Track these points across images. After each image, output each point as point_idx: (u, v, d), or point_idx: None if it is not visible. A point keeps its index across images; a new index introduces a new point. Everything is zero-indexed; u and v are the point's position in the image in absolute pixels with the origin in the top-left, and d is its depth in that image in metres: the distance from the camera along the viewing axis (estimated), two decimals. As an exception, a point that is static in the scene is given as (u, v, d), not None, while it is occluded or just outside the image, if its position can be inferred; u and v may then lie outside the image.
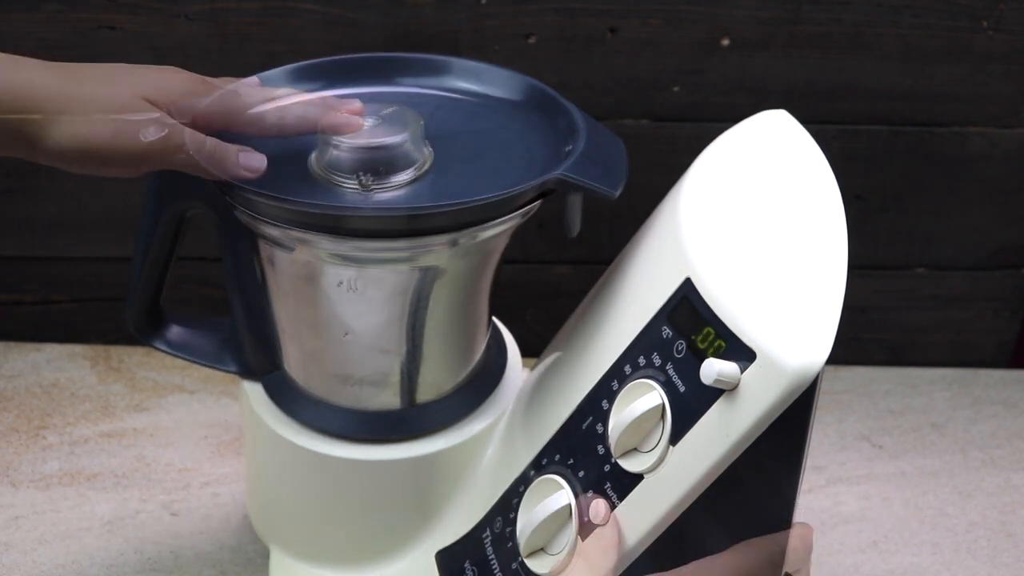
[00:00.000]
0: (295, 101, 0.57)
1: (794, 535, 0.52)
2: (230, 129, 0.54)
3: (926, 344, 0.97)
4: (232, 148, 0.54)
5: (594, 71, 0.83)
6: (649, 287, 0.56)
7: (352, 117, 0.57)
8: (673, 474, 0.51)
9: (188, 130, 0.52)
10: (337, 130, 0.57)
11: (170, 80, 0.53)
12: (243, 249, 0.62)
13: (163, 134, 0.51)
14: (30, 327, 0.94)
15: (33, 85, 0.49)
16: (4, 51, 0.76)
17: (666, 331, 0.53)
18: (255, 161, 0.55)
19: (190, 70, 0.84)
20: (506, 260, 0.64)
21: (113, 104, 0.50)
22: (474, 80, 0.67)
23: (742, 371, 0.48)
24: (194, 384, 0.91)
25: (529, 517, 0.57)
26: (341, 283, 0.59)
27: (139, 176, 0.54)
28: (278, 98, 0.57)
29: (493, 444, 0.66)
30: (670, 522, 0.52)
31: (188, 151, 0.52)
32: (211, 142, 0.53)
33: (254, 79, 0.61)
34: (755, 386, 0.47)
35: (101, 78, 0.51)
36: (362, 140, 0.57)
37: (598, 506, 0.54)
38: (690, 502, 0.51)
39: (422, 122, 0.59)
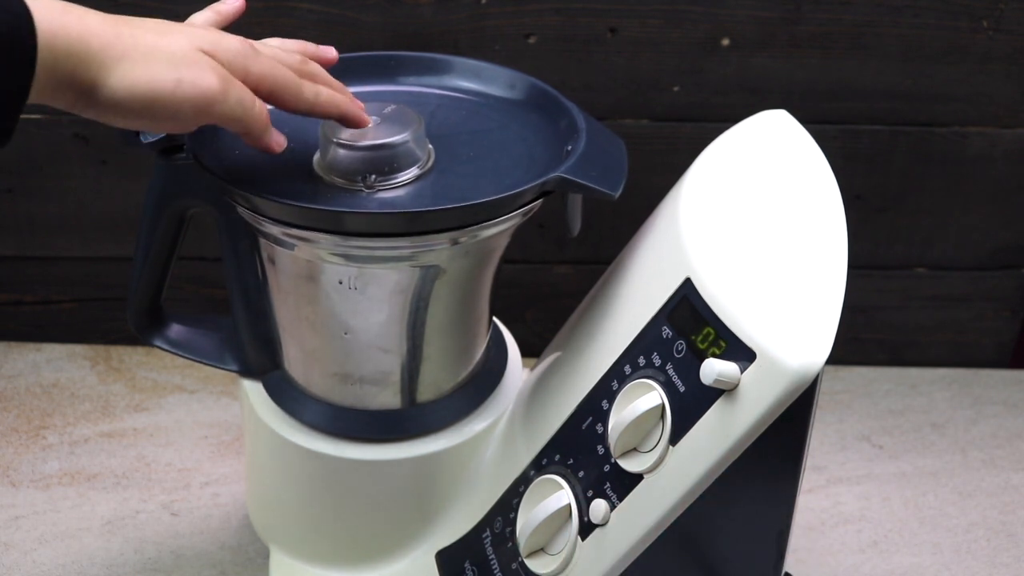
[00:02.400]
0: (326, 82, 0.57)
1: None
2: (270, 99, 0.54)
3: (926, 344, 0.97)
4: (269, 119, 0.54)
5: (594, 71, 0.83)
6: (649, 287, 0.56)
7: (365, 115, 0.58)
8: (673, 474, 0.51)
9: (244, 87, 0.52)
10: (354, 121, 0.57)
11: (224, 39, 0.52)
12: (244, 248, 0.62)
13: (225, 87, 0.50)
14: (30, 327, 0.94)
15: (89, 30, 0.47)
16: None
17: (666, 331, 0.53)
18: (281, 138, 0.55)
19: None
20: (506, 260, 0.64)
21: (175, 54, 0.49)
22: (475, 79, 0.67)
23: (742, 371, 0.48)
24: (194, 384, 0.91)
25: (529, 517, 0.57)
26: (342, 282, 0.59)
27: (187, 132, 0.53)
28: (315, 75, 0.57)
29: (493, 444, 0.66)
30: (670, 522, 0.52)
31: (243, 107, 0.51)
32: (260, 104, 0.53)
33: (300, 43, 0.60)
34: (755, 386, 0.47)
35: (157, 29, 0.50)
36: (364, 139, 0.57)
37: None
38: (690, 502, 0.51)
39: (423, 121, 0.59)
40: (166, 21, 0.52)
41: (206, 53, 0.51)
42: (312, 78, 0.56)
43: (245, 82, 0.52)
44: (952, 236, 0.91)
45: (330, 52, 0.61)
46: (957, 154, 0.87)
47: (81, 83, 0.48)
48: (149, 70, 0.49)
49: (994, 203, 0.90)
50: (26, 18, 0.45)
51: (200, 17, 0.59)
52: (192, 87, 0.49)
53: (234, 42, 0.52)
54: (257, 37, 0.80)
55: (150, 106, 0.49)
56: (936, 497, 0.83)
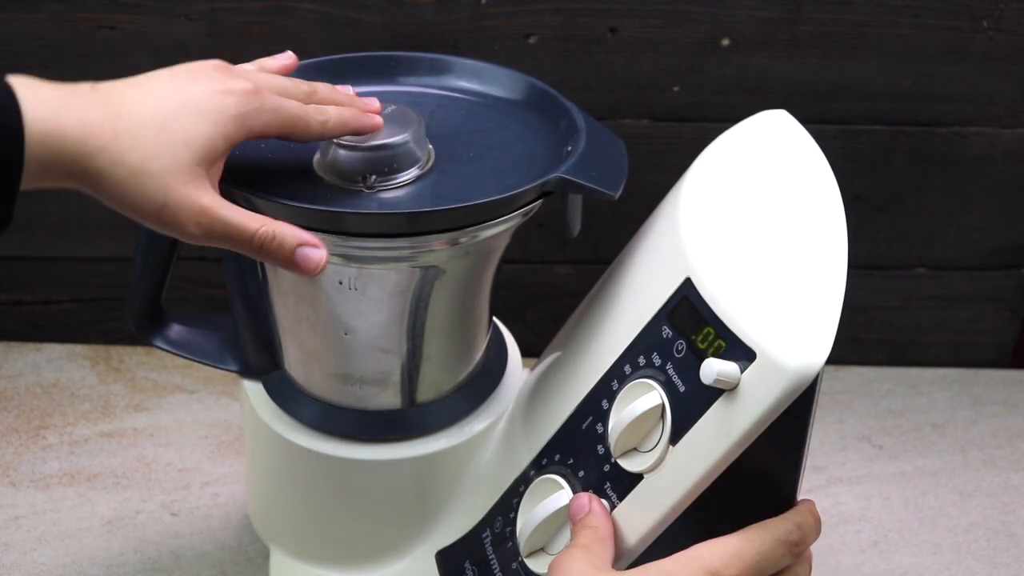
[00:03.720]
0: (331, 101, 0.56)
1: (804, 510, 0.51)
2: (281, 139, 0.54)
3: (926, 344, 0.97)
4: (291, 240, 0.52)
5: (594, 71, 0.83)
6: (649, 287, 0.56)
7: (376, 118, 0.57)
8: (673, 474, 0.51)
9: (228, 218, 0.51)
10: (366, 132, 0.57)
11: (230, 94, 0.50)
12: (243, 249, 0.62)
13: (204, 229, 0.50)
14: (30, 327, 0.94)
15: (86, 129, 0.47)
16: (5, 50, 0.75)
17: (666, 331, 0.53)
18: (313, 259, 0.53)
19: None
20: (506, 260, 0.64)
21: (167, 168, 0.48)
22: (475, 79, 0.67)
23: (742, 371, 0.48)
24: (194, 384, 0.91)
25: (529, 517, 0.57)
26: (342, 282, 0.59)
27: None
28: (316, 94, 0.56)
29: (493, 444, 0.66)
30: (670, 522, 0.52)
31: (232, 236, 0.51)
32: (266, 228, 0.51)
33: (289, 57, 0.59)
34: (755, 386, 0.47)
35: (156, 120, 0.49)
36: (365, 140, 0.57)
37: (579, 498, 0.54)
38: (690, 502, 0.51)
39: (423, 121, 0.59)
40: (168, 91, 0.50)
41: (204, 159, 0.50)
42: (318, 100, 0.56)
43: (250, 135, 0.51)
44: (952, 236, 0.91)
45: (288, 59, 0.59)
46: (957, 154, 0.87)
47: (81, 178, 0.48)
48: (138, 187, 0.48)
49: (994, 203, 0.90)
50: (15, 115, 0.45)
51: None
52: (172, 217, 0.49)
53: (239, 94, 0.51)
54: (257, 37, 0.81)
55: (139, 219, 0.50)
56: (936, 497, 0.83)
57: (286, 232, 0.52)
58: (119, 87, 0.50)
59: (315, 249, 0.53)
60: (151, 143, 0.48)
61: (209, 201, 0.50)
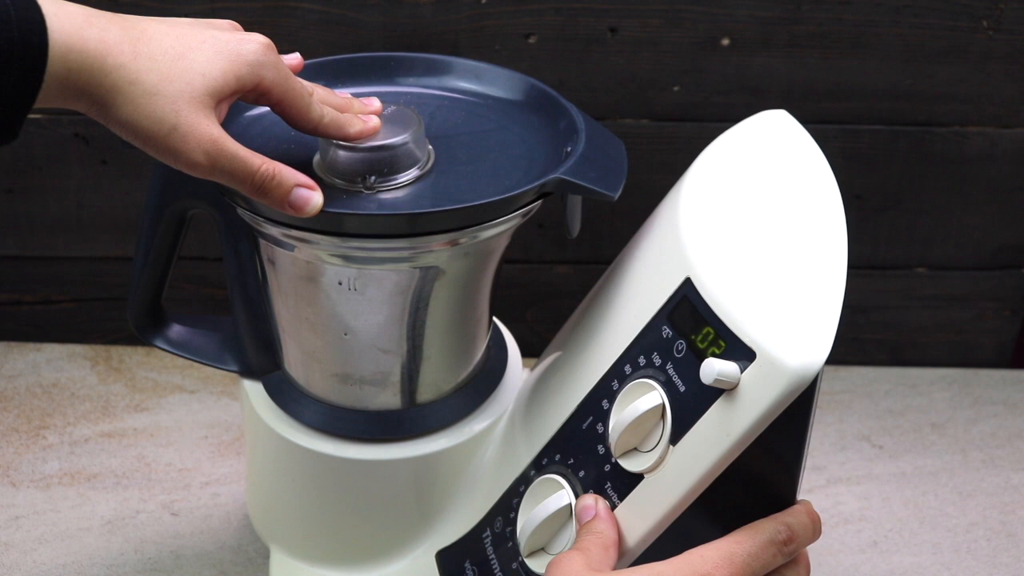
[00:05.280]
0: (328, 102, 0.56)
1: (797, 510, 0.51)
2: (276, 109, 0.54)
3: (926, 344, 0.97)
4: (289, 181, 0.53)
5: (594, 71, 0.83)
6: (649, 287, 0.56)
7: (372, 121, 0.57)
8: (673, 474, 0.51)
9: (236, 153, 0.51)
10: (359, 138, 0.57)
11: (244, 46, 0.51)
12: (244, 248, 0.62)
13: (211, 160, 0.50)
14: (30, 327, 0.94)
15: (106, 46, 0.47)
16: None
17: (666, 331, 0.53)
18: (310, 196, 0.53)
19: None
20: (506, 260, 0.64)
21: (182, 93, 0.49)
22: (474, 80, 0.67)
23: (742, 371, 0.48)
24: (194, 384, 0.91)
25: (529, 517, 0.57)
26: (341, 283, 0.59)
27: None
28: (315, 94, 0.56)
29: (493, 444, 0.66)
30: (670, 522, 0.52)
31: (236, 173, 0.51)
32: (267, 166, 0.52)
33: (295, 58, 0.59)
34: (755, 386, 0.47)
35: (176, 48, 0.50)
36: (365, 140, 0.57)
37: (585, 500, 0.54)
38: (690, 502, 0.51)
39: (423, 122, 0.59)
40: (188, 29, 0.51)
41: (217, 93, 0.50)
42: (316, 99, 0.56)
43: (257, 89, 0.52)
44: (952, 236, 0.91)
45: (294, 59, 0.59)
46: (957, 154, 0.87)
47: (93, 97, 0.48)
48: (150, 108, 0.48)
49: (994, 203, 0.90)
50: (40, 28, 0.45)
51: None
52: (181, 143, 0.49)
53: (256, 43, 0.52)
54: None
55: (145, 144, 0.50)
56: (936, 497, 0.83)
57: (285, 173, 0.52)
58: (142, 17, 0.51)
59: (311, 191, 0.53)
60: (168, 67, 0.49)
61: (218, 133, 0.50)
